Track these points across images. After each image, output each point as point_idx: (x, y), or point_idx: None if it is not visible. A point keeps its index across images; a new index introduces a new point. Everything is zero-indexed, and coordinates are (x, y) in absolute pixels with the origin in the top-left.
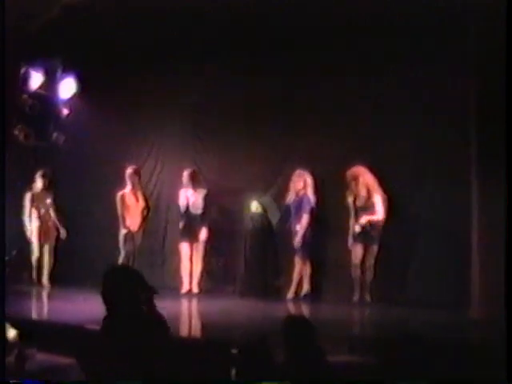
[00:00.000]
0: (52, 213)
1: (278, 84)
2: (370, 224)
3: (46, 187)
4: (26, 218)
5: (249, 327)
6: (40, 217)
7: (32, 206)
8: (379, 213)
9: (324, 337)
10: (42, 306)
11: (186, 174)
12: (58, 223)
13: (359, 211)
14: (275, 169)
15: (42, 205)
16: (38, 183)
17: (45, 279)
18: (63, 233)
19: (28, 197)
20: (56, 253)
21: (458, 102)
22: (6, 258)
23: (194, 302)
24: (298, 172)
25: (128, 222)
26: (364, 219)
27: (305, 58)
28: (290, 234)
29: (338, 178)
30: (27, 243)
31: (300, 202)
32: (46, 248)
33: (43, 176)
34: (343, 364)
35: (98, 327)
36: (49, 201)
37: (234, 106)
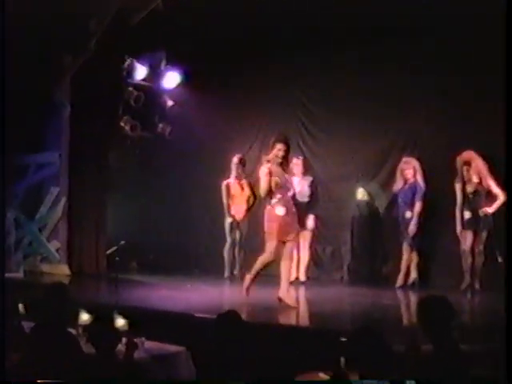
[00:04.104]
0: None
1: (385, 71)
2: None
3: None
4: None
5: (357, 315)
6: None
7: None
8: (500, 194)
9: None
10: (150, 294)
11: (294, 161)
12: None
13: (470, 197)
14: (382, 156)
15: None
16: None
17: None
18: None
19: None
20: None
21: None
22: (114, 247)
23: (301, 290)
24: (405, 159)
25: (233, 211)
26: (492, 208)
27: (418, 47)
28: (397, 221)
29: (447, 164)
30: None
31: (411, 189)
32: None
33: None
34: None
35: (207, 315)
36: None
37: (339, 94)
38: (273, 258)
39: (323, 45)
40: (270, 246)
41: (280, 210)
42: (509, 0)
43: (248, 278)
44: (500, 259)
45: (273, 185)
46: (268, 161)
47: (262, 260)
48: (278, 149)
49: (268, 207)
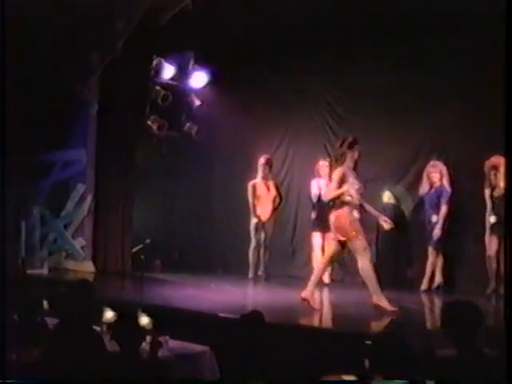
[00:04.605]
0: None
1: (412, 73)
2: None
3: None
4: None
5: (381, 318)
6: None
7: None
8: None
9: None
10: (174, 293)
11: (321, 163)
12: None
13: (496, 202)
14: (408, 159)
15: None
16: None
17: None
18: None
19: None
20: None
21: None
22: (140, 245)
23: (325, 292)
24: (432, 163)
25: (258, 212)
26: None
27: (444, 51)
28: (423, 224)
29: (474, 168)
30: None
31: (437, 192)
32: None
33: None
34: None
35: (231, 315)
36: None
37: (366, 95)
38: (369, 253)
39: (349, 45)
40: (361, 244)
41: (356, 213)
42: (509, 0)
43: (376, 289)
44: None
45: (351, 189)
46: (342, 164)
47: (366, 261)
48: (359, 151)
49: (346, 209)
